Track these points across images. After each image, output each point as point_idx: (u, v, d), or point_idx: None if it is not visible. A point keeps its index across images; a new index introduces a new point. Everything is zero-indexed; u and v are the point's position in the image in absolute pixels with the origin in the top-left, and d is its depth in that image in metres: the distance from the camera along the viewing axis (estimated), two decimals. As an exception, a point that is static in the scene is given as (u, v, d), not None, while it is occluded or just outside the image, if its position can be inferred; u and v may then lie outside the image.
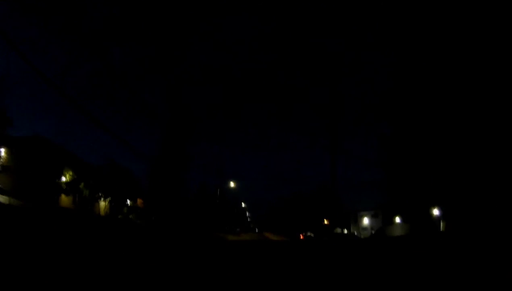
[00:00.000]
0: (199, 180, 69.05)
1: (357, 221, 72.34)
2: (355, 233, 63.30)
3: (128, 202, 39.77)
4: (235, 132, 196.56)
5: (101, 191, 32.20)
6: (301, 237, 66.07)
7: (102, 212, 34.16)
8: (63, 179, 30.13)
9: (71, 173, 30.17)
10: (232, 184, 62.32)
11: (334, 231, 40.64)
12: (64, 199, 30.54)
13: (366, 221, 71.56)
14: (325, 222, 68.61)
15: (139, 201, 42.77)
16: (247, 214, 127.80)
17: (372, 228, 68.46)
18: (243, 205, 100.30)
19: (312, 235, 68.84)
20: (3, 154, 25.93)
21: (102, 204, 34.43)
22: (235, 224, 79.27)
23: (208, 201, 59.64)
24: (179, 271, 10.05)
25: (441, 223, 37.71)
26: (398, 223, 45.76)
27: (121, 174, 33.33)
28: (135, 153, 23.98)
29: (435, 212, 38.24)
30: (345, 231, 69.07)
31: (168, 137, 26.99)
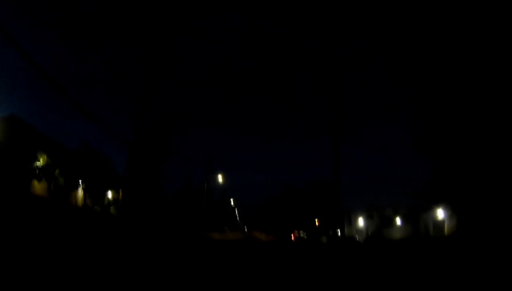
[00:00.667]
0: (186, 173, 67.08)
1: (351, 222, 70.95)
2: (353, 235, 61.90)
3: (110, 193, 37.63)
4: (226, 125, 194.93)
5: (78, 179, 30.09)
6: (292, 238, 64.66)
7: (79, 203, 32.02)
8: (38, 164, 27.99)
9: (45, 157, 27.97)
10: (220, 178, 60.29)
11: (335, 232, 38.57)
12: (38, 186, 28.42)
13: (361, 222, 70.22)
14: (317, 222, 67.18)
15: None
16: (236, 211, 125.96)
17: (367, 230, 67.28)
18: (232, 202, 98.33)
19: (305, 235, 67.43)
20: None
21: (80, 193, 32.32)
22: (222, 222, 77.37)
23: (194, 196, 57.77)
24: (147, 271, 8.82)
25: (445, 226, 36.57)
26: (398, 225, 44.43)
27: (98, 160, 31.20)
28: (110, 134, 21.64)
29: (440, 214, 37.02)
30: (338, 233, 67.59)
31: (140, 116, 25.33)
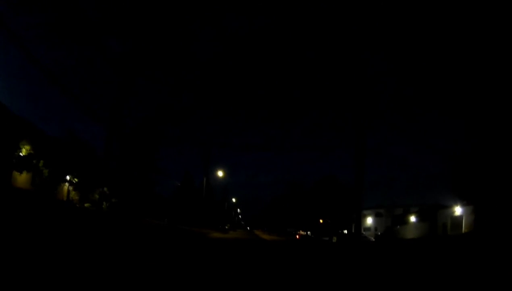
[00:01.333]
0: (187, 171, 65.57)
1: (359, 220, 69.26)
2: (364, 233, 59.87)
3: (106, 189, 35.51)
4: (230, 125, 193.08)
5: (65, 171, 28.03)
6: (297, 237, 63.09)
7: (66, 196, 30.00)
8: (19, 154, 25.93)
9: (28, 147, 25.88)
10: (220, 174, 58.06)
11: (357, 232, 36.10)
12: (21, 179, 26.38)
13: (369, 220, 68.55)
14: (321, 221, 65.19)
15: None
16: (238, 210, 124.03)
17: (376, 228, 65.58)
18: (233, 200, 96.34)
19: (310, 235, 65.36)
20: None
21: (68, 187, 30.29)
22: (224, 221, 75.65)
23: (194, 194, 56.02)
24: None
25: (463, 222, 34.60)
26: (412, 222, 42.30)
27: (84, 150, 29.12)
28: (90, 115, 19.52)
29: (457, 210, 35.02)
30: (345, 231, 65.74)
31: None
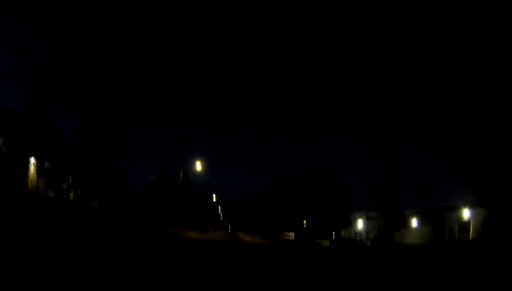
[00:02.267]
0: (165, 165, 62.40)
1: (351, 223, 67.63)
2: (358, 237, 58.09)
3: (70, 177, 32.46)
4: (209, 119, 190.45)
5: (29, 153, 25.14)
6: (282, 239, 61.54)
7: (29, 183, 26.95)
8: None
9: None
10: (199, 166, 54.17)
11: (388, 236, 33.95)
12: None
13: (360, 224, 66.85)
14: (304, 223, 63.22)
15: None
16: (220, 209, 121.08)
17: (367, 232, 63.98)
18: (214, 199, 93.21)
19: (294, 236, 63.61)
20: None
21: (32, 171, 27.32)
22: (203, 220, 72.96)
23: (171, 189, 52.94)
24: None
25: (471, 227, 32.91)
26: (414, 226, 40.47)
27: (47, 127, 26.23)
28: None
29: (466, 214, 33.26)
30: (333, 235, 63.96)
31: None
